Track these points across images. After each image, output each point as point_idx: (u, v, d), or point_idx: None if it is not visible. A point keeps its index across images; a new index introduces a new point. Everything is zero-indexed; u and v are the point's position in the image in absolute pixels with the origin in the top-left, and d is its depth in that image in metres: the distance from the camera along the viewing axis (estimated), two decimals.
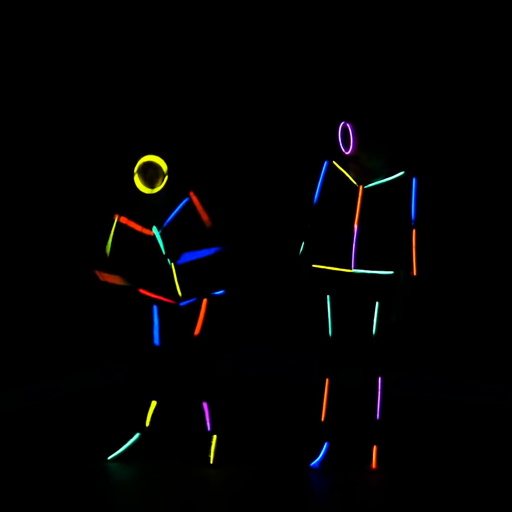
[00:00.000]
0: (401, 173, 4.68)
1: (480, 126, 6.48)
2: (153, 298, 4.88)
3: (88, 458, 4.86)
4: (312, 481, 4.69)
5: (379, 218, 4.65)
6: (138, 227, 4.80)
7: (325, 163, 4.80)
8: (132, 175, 4.71)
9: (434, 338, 6.55)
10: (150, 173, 4.72)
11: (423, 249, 4.68)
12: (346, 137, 4.67)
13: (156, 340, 4.89)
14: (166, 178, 4.74)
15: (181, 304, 4.85)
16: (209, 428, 4.89)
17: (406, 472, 4.75)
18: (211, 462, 4.83)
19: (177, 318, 4.89)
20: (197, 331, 4.83)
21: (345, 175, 4.73)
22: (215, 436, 4.88)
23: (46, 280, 6.71)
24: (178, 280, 4.78)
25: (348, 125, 4.65)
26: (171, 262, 4.77)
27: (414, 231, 4.65)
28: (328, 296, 4.79)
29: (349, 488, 4.55)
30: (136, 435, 4.91)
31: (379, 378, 4.76)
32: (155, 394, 4.91)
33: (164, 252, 4.76)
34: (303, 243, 4.82)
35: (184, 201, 4.82)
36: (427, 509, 4.26)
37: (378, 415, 4.77)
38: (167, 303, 4.86)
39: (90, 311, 6.95)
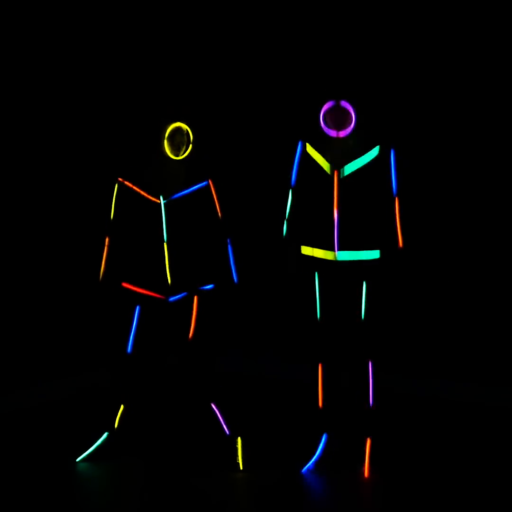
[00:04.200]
0: (376, 148, 4.62)
1: (453, 96, 6.42)
2: (139, 294, 4.76)
3: (60, 459, 4.85)
4: (307, 483, 4.58)
5: (359, 199, 4.60)
6: (143, 193, 4.74)
7: (299, 144, 4.73)
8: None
9: (429, 338, 6.50)
10: (178, 139, 4.72)
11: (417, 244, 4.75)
12: (337, 117, 4.60)
13: (130, 347, 4.78)
14: (191, 146, 4.74)
15: (171, 299, 4.76)
16: (227, 432, 4.79)
17: (402, 473, 4.65)
18: (241, 467, 4.71)
19: (167, 317, 4.80)
20: (191, 334, 4.77)
21: (318, 159, 4.66)
22: (239, 439, 4.76)
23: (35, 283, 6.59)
24: (169, 266, 4.70)
25: (345, 103, 4.59)
26: (166, 239, 4.68)
27: (397, 201, 4.59)
28: (316, 273, 4.71)
29: (345, 490, 4.47)
30: (104, 435, 4.83)
31: (370, 363, 4.63)
32: (123, 399, 4.82)
33: (164, 224, 4.70)
34: (285, 224, 4.74)
35: (201, 184, 4.80)
36: (423, 510, 4.21)
37: (371, 403, 4.63)
38: (155, 299, 4.76)
39: (75, 315, 6.82)
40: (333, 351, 4.71)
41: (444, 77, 6.41)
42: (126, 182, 4.74)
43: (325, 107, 4.63)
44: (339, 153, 4.63)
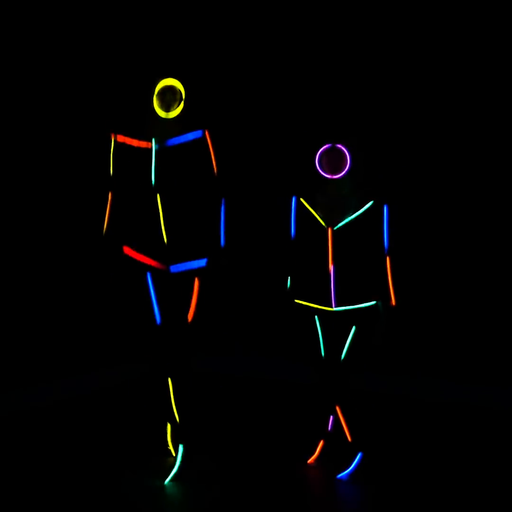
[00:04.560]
0: (370, 203, 4.67)
1: (441, 147, 6.55)
2: (143, 264, 4.59)
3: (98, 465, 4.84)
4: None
5: (353, 254, 4.65)
6: (134, 142, 4.61)
7: (293, 199, 4.77)
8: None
9: (427, 341, 6.62)
10: (169, 97, 4.58)
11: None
12: (333, 160, 4.65)
13: (158, 318, 4.59)
14: (182, 104, 4.60)
15: (172, 269, 4.60)
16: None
17: (398, 476, 4.75)
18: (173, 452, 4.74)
19: (169, 290, 4.62)
20: (190, 316, 4.63)
21: (313, 215, 4.71)
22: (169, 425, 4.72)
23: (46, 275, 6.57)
24: (165, 223, 4.53)
25: (341, 147, 4.64)
26: (155, 187, 4.51)
27: (388, 259, 4.64)
28: (316, 317, 4.78)
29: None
30: (181, 448, 4.64)
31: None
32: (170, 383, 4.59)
33: (153, 170, 4.54)
34: (288, 278, 4.80)
35: (197, 134, 4.63)
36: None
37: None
38: (157, 269, 4.59)
39: (94, 309, 6.80)
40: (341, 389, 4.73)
41: (438, 130, 6.51)
42: (119, 136, 4.62)
43: (321, 150, 4.70)
44: (332, 207, 4.67)
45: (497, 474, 4.78)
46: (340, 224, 4.65)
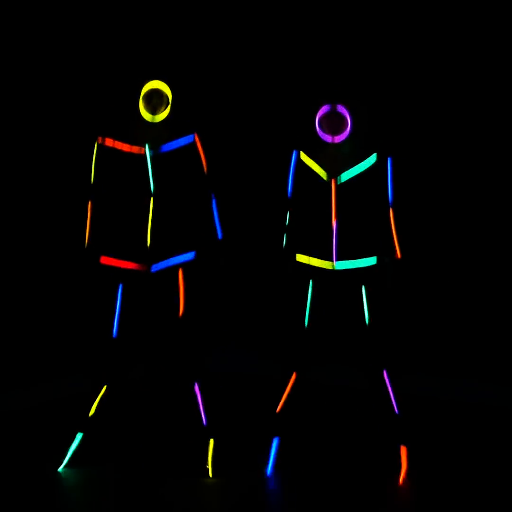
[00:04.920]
0: (374, 155, 4.54)
1: (450, 99, 6.41)
2: (121, 270, 4.50)
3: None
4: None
5: (357, 207, 4.53)
6: (126, 147, 4.53)
7: (294, 153, 4.65)
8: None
9: (434, 338, 6.48)
10: (155, 101, 4.53)
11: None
12: (333, 122, 4.51)
13: (115, 331, 4.51)
14: (169, 107, 4.55)
15: (153, 269, 4.51)
16: (205, 422, 4.54)
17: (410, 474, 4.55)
18: (210, 474, 4.50)
19: (151, 292, 4.56)
20: (181, 310, 4.52)
21: (314, 169, 4.58)
22: (212, 440, 4.55)
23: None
24: (152, 225, 4.46)
25: (341, 108, 4.51)
26: (153, 192, 4.48)
27: (392, 211, 4.51)
28: (310, 281, 4.62)
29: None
30: (78, 437, 4.56)
31: (384, 372, 4.49)
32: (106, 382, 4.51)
33: (151, 175, 4.50)
34: (285, 236, 4.65)
35: (188, 138, 4.61)
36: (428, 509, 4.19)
37: (396, 410, 4.47)
38: (137, 273, 4.51)
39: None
40: (311, 361, 4.60)
41: (442, 84, 6.38)
42: (106, 139, 4.53)
43: (320, 112, 4.55)
44: (335, 160, 4.56)
45: (497, 473, 4.66)
46: (343, 176, 4.53)
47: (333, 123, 4.52)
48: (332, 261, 4.52)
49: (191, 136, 4.59)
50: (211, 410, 4.57)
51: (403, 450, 4.49)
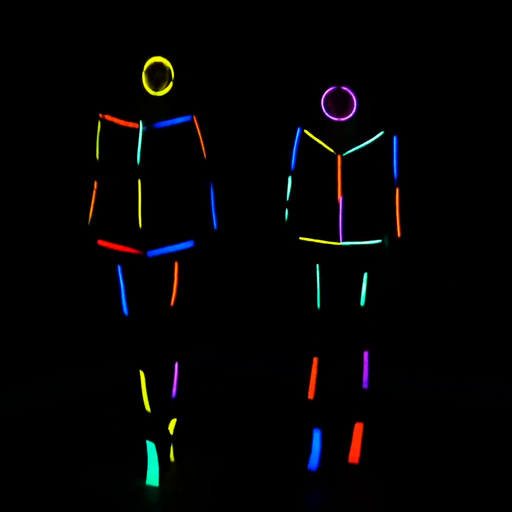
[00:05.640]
0: (380, 133, 4.52)
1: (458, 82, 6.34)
2: (117, 253, 4.44)
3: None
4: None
5: (363, 185, 4.49)
6: (121, 122, 4.46)
7: (298, 130, 4.62)
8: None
9: (428, 336, 6.45)
10: (158, 75, 4.46)
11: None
12: (338, 102, 4.48)
13: (126, 309, 4.46)
14: (171, 83, 4.48)
15: (149, 254, 4.43)
16: (174, 394, 4.54)
17: (399, 472, 4.59)
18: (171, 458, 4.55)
19: (146, 278, 4.49)
20: (173, 301, 4.51)
21: (320, 144, 4.54)
22: (175, 420, 4.55)
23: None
24: (143, 207, 4.35)
25: (347, 88, 4.48)
26: (139, 168, 4.36)
27: (397, 190, 4.50)
28: (317, 265, 4.59)
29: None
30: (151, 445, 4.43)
31: (365, 353, 4.55)
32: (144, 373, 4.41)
33: (139, 151, 4.40)
34: (286, 210, 4.63)
35: (186, 118, 4.54)
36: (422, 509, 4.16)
37: (365, 385, 4.55)
38: (133, 256, 4.43)
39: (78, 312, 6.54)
40: (331, 345, 4.60)
41: (448, 64, 6.32)
42: (107, 116, 4.49)
43: (326, 92, 4.53)
44: (341, 138, 4.52)
45: (497, 473, 4.64)
46: (349, 151, 4.49)
47: (339, 104, 4.50)
48: (339, 241, 4.50)
49: (188, 116, 4.54)
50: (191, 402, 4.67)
51: (358, 427, 4.58)
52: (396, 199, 4.49)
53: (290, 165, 4.61)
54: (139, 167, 4.37)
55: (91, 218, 4.48)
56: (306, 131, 4.59)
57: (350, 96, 4.48)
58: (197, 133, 4.53)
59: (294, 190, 4.61)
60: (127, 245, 4.44)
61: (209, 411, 5.66)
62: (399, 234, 4.49)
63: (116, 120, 4.47)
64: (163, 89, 4.47)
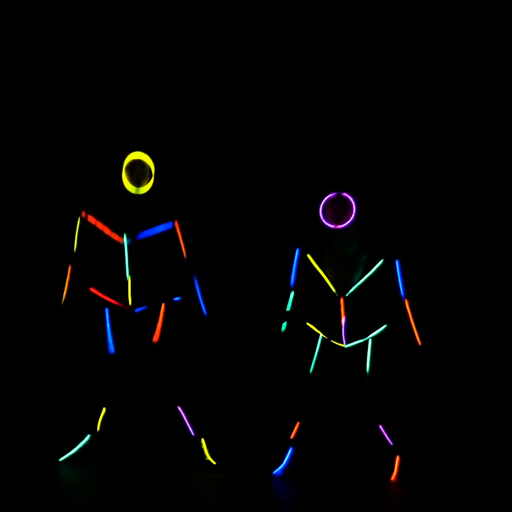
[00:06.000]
0: (381, 262, 4.55)
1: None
2: (105, 301, 4.65)
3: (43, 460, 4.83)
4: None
5: (364, 305, 4.55)
6: (107, 230, 4.55)
7: (297, 251, 4.64)
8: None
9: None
10: (138, 171, 4.49)
11: None
12: (337, 209, 4.50)
13: (111, 347, 4.67)
14: (152, 180, 4.51)
15: (137, 310, 4.62)
16: (193, 434, 4.70)
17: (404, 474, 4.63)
18: (214, 463, 4.67)
19: (132, 323, 4.68)
20: (156, 337, 4.64)
21: (321, 276, 4.56)
22: (203, 439, 4.71)
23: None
24: (132, 289, 4.57)
25: (347, 196, 4.51)
26: (129, 275, 4.55)
27: (407, 302, 4.55)
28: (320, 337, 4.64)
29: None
30: (87, 437, 4.76)
31: (381, 427, 4.56)
32: (106, 401, 4.72)
33: (127, 265, 4.53)
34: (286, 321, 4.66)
35: (167, 225, 4.61)
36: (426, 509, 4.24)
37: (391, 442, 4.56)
38: (120, 307, 4.63)
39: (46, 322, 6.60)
40: (316, 413, 4.66)
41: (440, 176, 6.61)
42: (89, 217, 4.55)
43: (326, 199, 4.54)
44: (343, 268, 4.55)
45: (497, 473, 4.72)
46: (351, 290, 4.53)
47: (337, 211, 4.50)
48: (343, 343, 4.55)
49: (170, 223, 4.60)
50: (201, 416, 4.75)
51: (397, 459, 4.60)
52: (408, 311, 4.53)
53: (290, 281, 4.65)
54: (129, 277, 4.53)
55: (64, 297, 4.63)
56: (308, 257, 4.61)
57: (350, 203, 4.48)
58: (178, 237, 4.63)
59: (294, 303, 4.66)
60: (116, 300, 4.63)
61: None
62: (419, 342, 4.54)
63: (100, 225, 4.54)
64: (145, 185, 4.48)
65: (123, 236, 4.52)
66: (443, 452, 5.02)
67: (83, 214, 4.58)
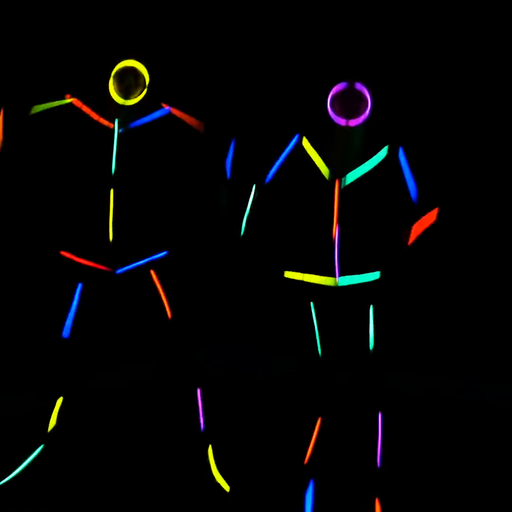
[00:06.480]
0: (384, 148, 3.88)
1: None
2: (82, 266, 4.09)
3: None
4: None
5: (362, 212, 3.87)
6: (94, 115, 4.03)
7: (296, 136, 3.98)
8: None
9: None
10: (128, 81, 4.04)
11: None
12: (349, 102, 3.83)
13: (66, 331, 4.10)
14: (144, 91, 4.06)
15: (118, 271, 4.10)
16: (202, 427, 4.25)
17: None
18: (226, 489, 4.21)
19: (115, 296, 4.19)
20: (169, 313, 4.15)
21: (316, 163, 3.91)
22: (210, 447, 4.26)
23: None
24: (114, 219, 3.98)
25: (361, 86, 3.85)
26: (114, 176, 3.98)
27: (420, 206, 3.87)
28: (311, 304, 3.99)
29: None
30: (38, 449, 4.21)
31: (379, 414, 3.98)
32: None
33: (114, 157, 3.99)
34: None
35: (163, 111, 4.13)
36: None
37: (378, 464, 3.99)
38: (100, 272, 4.10)
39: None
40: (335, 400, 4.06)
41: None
42: (74, 99, 4.09)
43: (335, 89, 3.87)
44: (342, 154, 3.91)
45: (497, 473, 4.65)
46: (348, 177, 3.89)
47: (349, 104, 3.86)
48: (335, 277, 3.90)
49: (166, 109, 4.13)
50: (213, 415, 4.36)
51: (376, 503, 4.03)
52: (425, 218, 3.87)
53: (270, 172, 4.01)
54: (113, 177, 3.99)
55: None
56: (304, 139, 3.97)
57: (364, 96, 3.86)
58: (180, 122, 4.14)
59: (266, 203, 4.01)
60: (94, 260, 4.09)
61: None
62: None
63: (86, 109, 4.08)
64: (135, 97, 4.05)
65: (114, 122, 4.03)
66: (443, 452, 4.94)
67: (68, 96, 4.11)
